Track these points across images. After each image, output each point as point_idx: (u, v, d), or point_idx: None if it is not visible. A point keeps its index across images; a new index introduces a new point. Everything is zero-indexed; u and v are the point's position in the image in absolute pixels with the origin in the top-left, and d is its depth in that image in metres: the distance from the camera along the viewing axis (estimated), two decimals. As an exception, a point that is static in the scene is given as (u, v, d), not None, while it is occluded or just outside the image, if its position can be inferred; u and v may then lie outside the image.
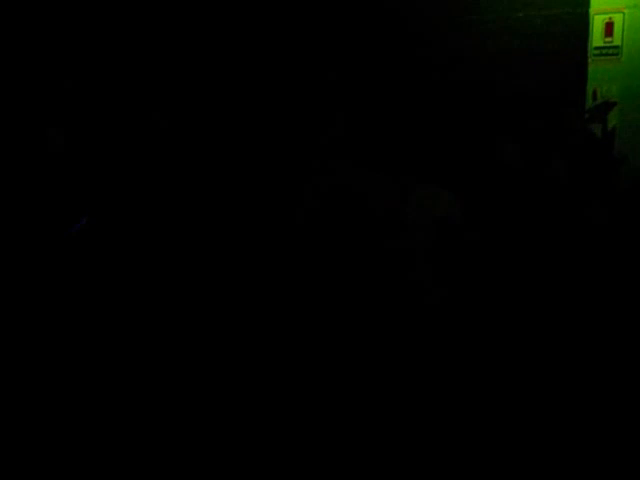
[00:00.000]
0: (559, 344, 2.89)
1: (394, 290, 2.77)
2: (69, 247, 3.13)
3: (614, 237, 3.07)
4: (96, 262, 3.17)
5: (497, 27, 4.11)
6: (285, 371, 2.80)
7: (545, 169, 3.51)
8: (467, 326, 2.89)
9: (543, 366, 2.77)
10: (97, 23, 4.06)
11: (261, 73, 4.30)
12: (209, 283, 3.18)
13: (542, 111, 3.88)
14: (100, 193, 3.29)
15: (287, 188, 3.18)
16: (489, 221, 3.29)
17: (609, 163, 3.57)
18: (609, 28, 3.78)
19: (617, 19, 3.75)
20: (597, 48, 3.82)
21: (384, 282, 2.78)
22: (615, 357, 2.75)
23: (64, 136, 3.26)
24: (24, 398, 2.71)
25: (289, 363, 2.83)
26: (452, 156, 3.77)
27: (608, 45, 3.79)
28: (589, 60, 3.85)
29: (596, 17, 3.81)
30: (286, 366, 2.82)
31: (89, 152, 3.37)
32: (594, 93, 3.84)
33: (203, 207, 3.40)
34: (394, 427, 2.50)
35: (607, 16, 3.78)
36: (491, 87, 4.09)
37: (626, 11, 3.73)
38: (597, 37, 3.82)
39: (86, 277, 3.11)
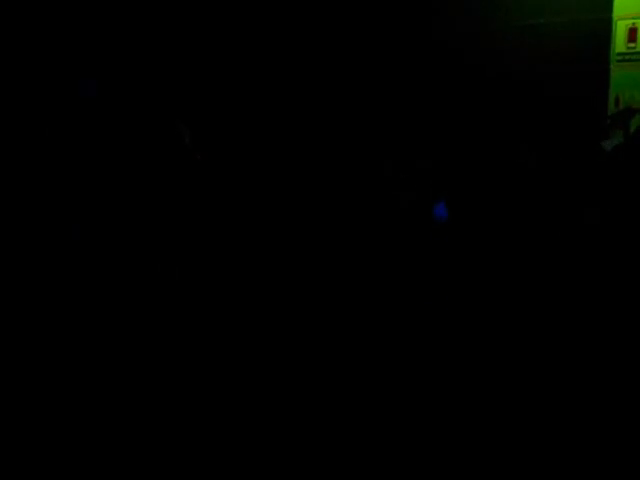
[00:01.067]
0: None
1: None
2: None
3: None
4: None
5: (520, 33, 4.07)
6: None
7: (556, 170, 3.51)
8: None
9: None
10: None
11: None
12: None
13: (563, 116, 3.83)
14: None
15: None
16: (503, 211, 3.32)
17: (630, 169, 3.48)
18: (633, 34, 3.72)
19: (641, 25, 3.69)
20: (620, 54, 3.76)
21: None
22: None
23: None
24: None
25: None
26: (477, 157, 3.73)
27: (632, 51, 3.73)
28: (612, 66, 3.78)
29: (619, 22, 3.76)
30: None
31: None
32: (617, 99, 3.77)
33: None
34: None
35: (631, 21, 3.72)
36: (513, 93, 4.05)
37: (650, 16, 3.67)
38: (620, 43, 3.76)
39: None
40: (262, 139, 4.13)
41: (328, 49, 4.38)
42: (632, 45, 3.72)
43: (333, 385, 2.74)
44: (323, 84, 4.36)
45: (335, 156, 4.05)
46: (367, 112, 4.24)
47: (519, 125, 3.91)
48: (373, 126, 4.18)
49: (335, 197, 3.81)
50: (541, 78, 3.98)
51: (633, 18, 3.72)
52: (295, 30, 4.41)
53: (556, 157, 3.57)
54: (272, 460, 2.35)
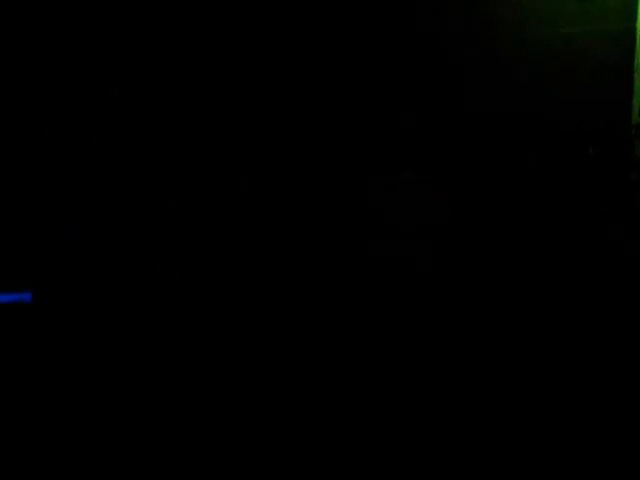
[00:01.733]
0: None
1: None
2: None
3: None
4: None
5: (540, 43, 3.98)
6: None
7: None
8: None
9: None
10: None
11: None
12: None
13: (585, 127, 3.70)
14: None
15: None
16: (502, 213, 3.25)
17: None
18: (657, 42, 3.60)
19: (665, 33, 3.58)
20: (644, 63, 3.64)
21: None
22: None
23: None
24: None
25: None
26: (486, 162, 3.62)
27: (656, 60, 3.61)
28: (636, 75, 3.66)
29: (643, 32, 3.65)
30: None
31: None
32: (641, 109, 3.64)
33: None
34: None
35: (655, 30, 3.61)
36: (532, 104, 3.94)
37: (675, 25, 3.56)
38: (644, 52, 3.64)
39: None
40: (268, 139, 4.06)
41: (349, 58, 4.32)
42: (657, 54, 3.61)
43: (333, 385, 2.66)
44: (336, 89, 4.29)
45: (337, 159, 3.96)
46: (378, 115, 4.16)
47: (529, 130, 3.81)
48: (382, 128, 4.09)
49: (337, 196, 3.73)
50: (562, 88, 3.87)
51: (657, 27, 3.61)
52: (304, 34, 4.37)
53: (567, 165, 3.47)
54: (272, 460, 2.31)
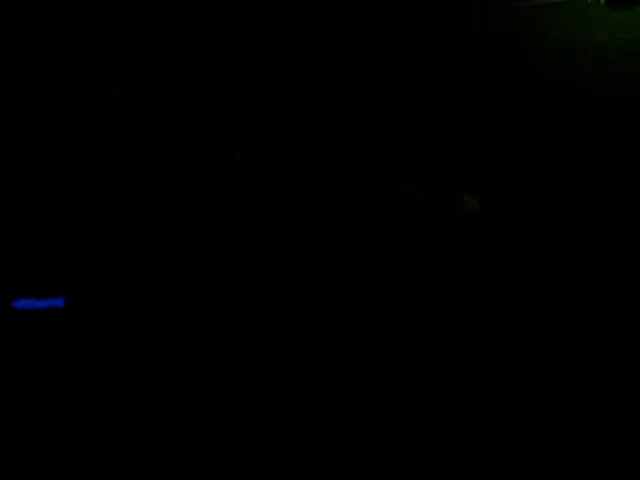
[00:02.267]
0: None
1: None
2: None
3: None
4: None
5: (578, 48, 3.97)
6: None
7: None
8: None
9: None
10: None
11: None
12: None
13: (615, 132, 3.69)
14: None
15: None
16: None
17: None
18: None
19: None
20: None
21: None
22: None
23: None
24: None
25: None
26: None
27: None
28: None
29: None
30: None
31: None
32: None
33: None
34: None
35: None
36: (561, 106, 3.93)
37: None
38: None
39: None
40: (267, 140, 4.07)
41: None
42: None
43: (333, 385, 2.66)
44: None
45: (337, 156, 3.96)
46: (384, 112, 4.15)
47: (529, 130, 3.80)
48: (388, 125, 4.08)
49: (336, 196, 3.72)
50: (597, 94, 3.86)
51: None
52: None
53: (568, 165, 3.46)
54: (272, 460, 2.32)
